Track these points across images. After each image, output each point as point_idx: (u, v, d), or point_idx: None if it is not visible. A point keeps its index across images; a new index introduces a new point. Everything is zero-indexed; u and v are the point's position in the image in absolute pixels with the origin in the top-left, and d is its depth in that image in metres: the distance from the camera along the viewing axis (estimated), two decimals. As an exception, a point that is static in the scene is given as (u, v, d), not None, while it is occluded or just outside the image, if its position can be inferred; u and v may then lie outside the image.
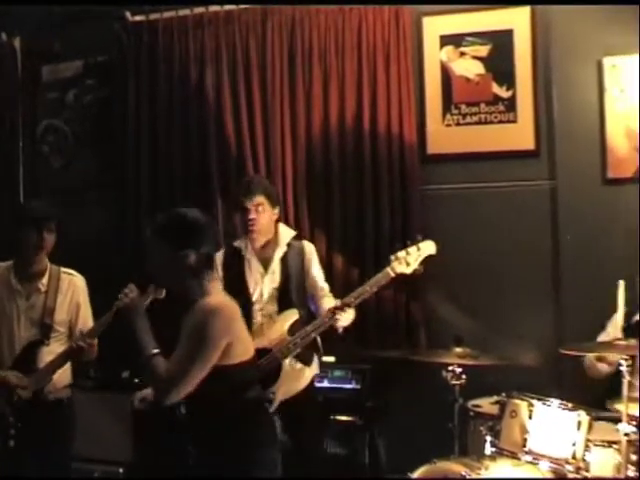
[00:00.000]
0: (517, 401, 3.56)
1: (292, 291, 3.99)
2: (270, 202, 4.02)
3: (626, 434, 3.23)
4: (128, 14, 5.24)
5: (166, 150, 5.16)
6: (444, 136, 4.81)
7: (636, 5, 4.31)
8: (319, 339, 4.00)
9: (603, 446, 3.38)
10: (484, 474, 3.39)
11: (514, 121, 4.69)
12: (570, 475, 3.35)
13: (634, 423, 3.23)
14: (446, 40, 4.79)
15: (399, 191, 4.74)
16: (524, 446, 3.46)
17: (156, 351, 2.90)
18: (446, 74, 4.80)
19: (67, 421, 3.92)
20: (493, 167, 4.71)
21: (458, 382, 3.76)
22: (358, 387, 4.58)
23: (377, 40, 4.77)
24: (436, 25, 4.81)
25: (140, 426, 4.59)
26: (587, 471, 3.34)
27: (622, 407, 3.26)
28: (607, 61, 4.48)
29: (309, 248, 4.14)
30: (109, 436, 4.63)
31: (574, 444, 3.37)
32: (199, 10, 5.11)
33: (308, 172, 4.90)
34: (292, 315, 3.95)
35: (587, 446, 3.36)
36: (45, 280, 3.84)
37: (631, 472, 3.27)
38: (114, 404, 4.71)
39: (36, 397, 3.71)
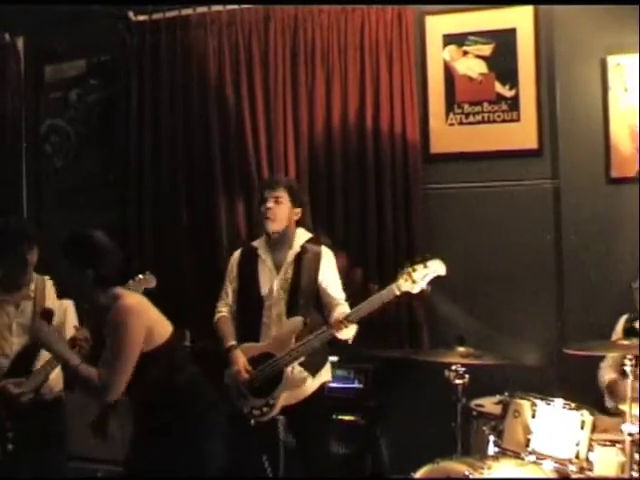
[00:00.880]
0: (520, 401, 3.54)
1: (300, 296, 3.94)
2: (291, 198, 4.02)
3: (630, 434, 3.22)
4: (131, 14, 5.24)
5: (169, 150, 5.16)
6: (447, 135, 4.81)
7: (636, 5, 4.31)
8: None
9: (606, 445, 3.37)
10: (487, 474, 3.37)
11: (517, 120, 4.68)
12: (574, 475, 3.33)
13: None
14: (449, 39, 4.79)
15: (402, 190, 4.73)
16: (527, 446, 3.44)
17: (78, 361, 3.16)
18: (449, 73, 4.80)
19: (62, 421, 3.95)
20: (496, 166, 4.71)
21: (461, 382, 3.74)
22: (361, 387, 4.58)
23: (380, 39, 4.76)
24: (439, 24, 4.81)
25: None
26: (591, 471, 3.33)
27: (626, 407, 3.26)
28: (611, 60, 4.46)
29: (327, 254, 4.08)
30: (112, 435, 4.63)
31: (578, 444, 3.35)
32: (202, 10, 5.10)
33: (311, 171, 4.89)
34: (297, 322, 3.92)
35: (591, 445, 3.35)
36: (33, 286, 3.88)
37: (635, 472, 3.27)
38: (118, 403, 4.70)
39: (33, 399, 3.73)
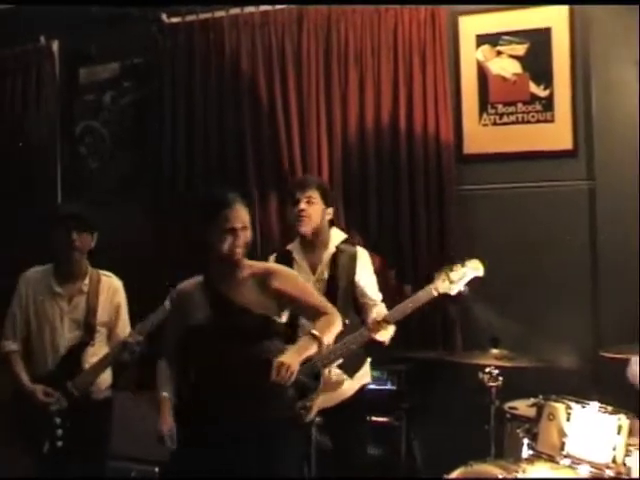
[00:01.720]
0: (555, 404, 3.51)
1: (338, 297, 3.89)
2: (323, 198, 3.99)
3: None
4: (164, 16, 5.28)
5: (203, 151, 5.19)
6: (481, 136, 4.78)
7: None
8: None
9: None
10: (521, 477, 3.36)
11: (552, 121, 4.64)
12: (610, 480, 3.31)
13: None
14: (482, 39, 4.75)
15: (435, 191, 4.71)
16: (562, 449, 3.40)
17: None
18: (482, 73, 4.77)
19: (109, 421, 3.98)
20: (530, 167, 4.67)
21: (494, 384, 3.72)
22: (394, 388, 4.56)
23: (413, 40, 4.75)
24: (472, 24, 4.78)
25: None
26: (628, 476, 3.29)
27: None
28: (647, 59, 4.42)
29: (363, 255, 4.07)
30: (146, 435, 4.66)
31: (614, 448, 3.31)
32: (234, 11, 5.12)
33: (344, 172, 4.89)
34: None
35: (628, 450, 3.31)
36: (87, 281, 3.88)
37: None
38: (152, 403, 4.73)
39: (83, 398, 3.76)
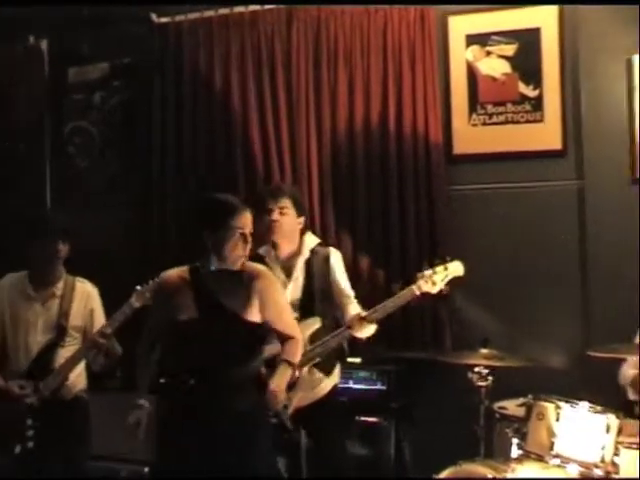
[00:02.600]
0: (544, 403, 3.51)
1: (316, 299, 3.93)
2: (295, 208, 3.99)
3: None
4: (154, 16, 5.26)
5: (191, 151, 5.18)
6: (470, 136, 4.78)
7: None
8: (345, 342, 3.97)
9: (632, 448, 3.33)
10: (511, 476, 3.36)
11: (541, 120, 4.65)
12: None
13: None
14: (472, 39, 4.76)
15: (425, 192, 4.71)
16: (551, 449, 3.41)
17: None
18: (472, 74, 4.77)
19: (84, 421, 3.97)
20: (520, 167, 4.67)
21: (484, 384, 3.72)
22: (383, 388, 4.56)
23: (402, 40, 4.75)
24: (462, 24, 4.78)
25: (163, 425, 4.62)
26: (617, 474, 3.29)
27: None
28: (636, 59, 4.41)
29: (335, 255, 4.08)
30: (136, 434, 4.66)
31: (603, 447, 3.31)
32: (224, 11, 5.11)
33: (333, 172, 4.89)
34: (314, 323, 3.91)
35: (616, 449, 3.31)
36: (60, 285, 3.92)
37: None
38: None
39: (53, 397, 3.77)
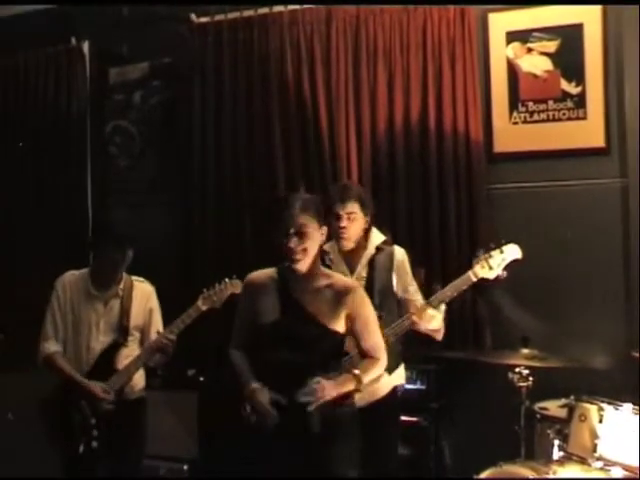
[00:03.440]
0: (586, 404, 3.47)
1: (375, 294, 3.84)
2: (363, 210, 3.91)
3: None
4: (193, 16, 5.30)
5: (232, 150, 5.20)
6: (511, 134, 4.73)
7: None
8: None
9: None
10: (551, 478, 3.32)
11: (584, 118, 4.59)
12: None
13: None
14: (512, 36, 4.71)
15: (465, 190, 4.68)
16: (594, 451, 3.36)
17: None
18: (513, 71, 4.72)
19: (144, 421, 4.01)
20: (562, 165, 4.62)
21: (525, 384, 3.68)
22: (423, 387, 4.54)
23: (442, 38, 4.72)
24: (502, 21, 4.74)
25: (206, 423, 4.66)
26: (661, 478, 3.25)
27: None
28: (681, 56, 4.35)
29: (400, 253, 4.02)
30: (175, 433, 4.69)
31: (648, 451, 3.27)
32: (263, 11, 5.13)
33: (373, 171, 4.88)
34: None
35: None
36: (122, 285, 3.93)
37: None
38: (180, 402, 4.77)
39: (117, 399, 3.80)
